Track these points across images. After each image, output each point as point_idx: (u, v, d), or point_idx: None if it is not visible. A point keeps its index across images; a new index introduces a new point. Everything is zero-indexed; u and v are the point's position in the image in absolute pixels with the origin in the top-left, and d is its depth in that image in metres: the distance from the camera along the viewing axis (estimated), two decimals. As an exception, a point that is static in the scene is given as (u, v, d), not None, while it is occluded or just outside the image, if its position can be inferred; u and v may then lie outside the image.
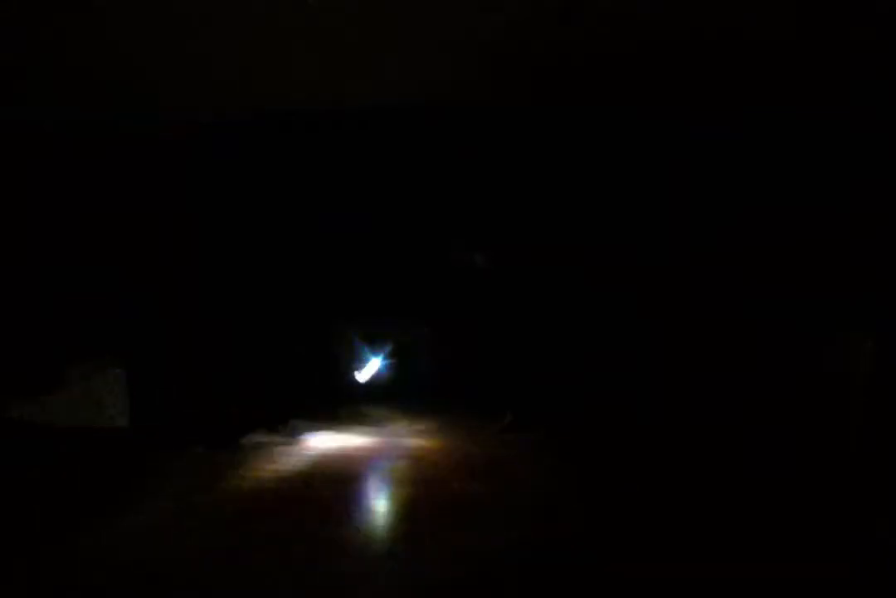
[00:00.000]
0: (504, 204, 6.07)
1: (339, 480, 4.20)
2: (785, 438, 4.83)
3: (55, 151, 5.83)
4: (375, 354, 6.08)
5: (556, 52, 4.79)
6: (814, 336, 5.43)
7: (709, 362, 5.45)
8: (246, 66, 4.93)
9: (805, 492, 4.03)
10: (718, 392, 5.22)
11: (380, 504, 3.90)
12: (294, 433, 5.42)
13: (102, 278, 5.86)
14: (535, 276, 6.01)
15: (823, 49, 4.81)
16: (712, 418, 5.05)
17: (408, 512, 3.70)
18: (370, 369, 6.11)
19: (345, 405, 6.05)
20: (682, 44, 4.78)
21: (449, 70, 5.07)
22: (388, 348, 6.14)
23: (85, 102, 5.42)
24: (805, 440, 4.75)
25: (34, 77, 5.03)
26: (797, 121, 5.45)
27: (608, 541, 3.27)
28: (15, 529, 3.57)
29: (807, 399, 5.12)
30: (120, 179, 5.87)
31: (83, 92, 5.26)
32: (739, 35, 4.65)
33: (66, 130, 5.75)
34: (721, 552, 3.18)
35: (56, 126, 5.70)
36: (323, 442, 5.14)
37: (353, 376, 6.06)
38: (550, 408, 5.52)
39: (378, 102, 5.46)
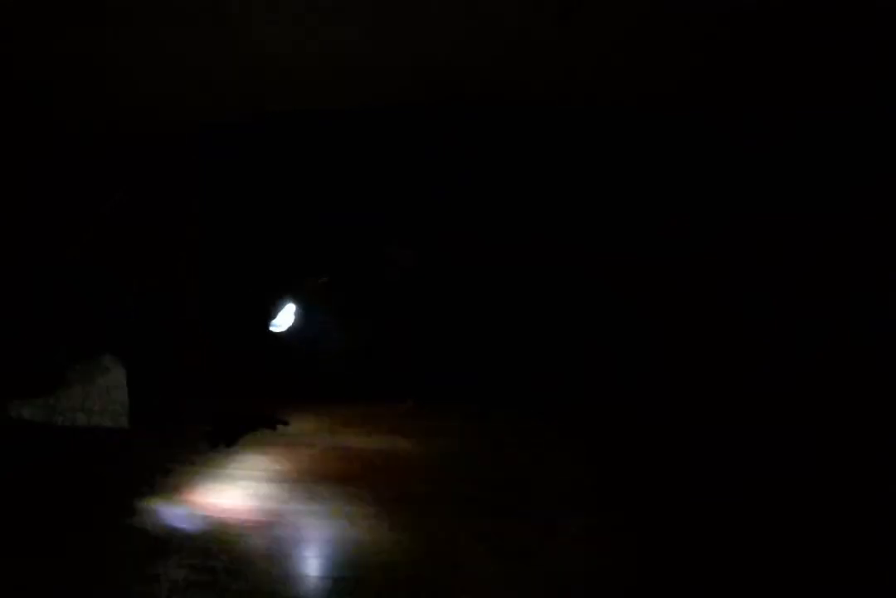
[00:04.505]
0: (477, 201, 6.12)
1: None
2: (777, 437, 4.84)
3: (56, 152, 5.85)
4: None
5: (554, 52, 4.79)
6: (814, 335, 5.45)
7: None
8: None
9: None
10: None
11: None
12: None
13: (103, 278, 5.87)
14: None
15: (823, 49, 4.81)
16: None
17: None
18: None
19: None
20: (681, 43, 4.78)
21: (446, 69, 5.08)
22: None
23: (84, 103, 5.43)
24: (807, 441, 4.75)
25: (32, 78, 5.05)
26: (797, 121, 5.45)
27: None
28: (14, 529, 3.58)
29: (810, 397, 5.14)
30: (117, 179, 5.88)
31: (82, 92, 5.27)
32: (739, 35, 4.66)
33: (67, 130, 5.77)
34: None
35: (56, 126, 5.71)
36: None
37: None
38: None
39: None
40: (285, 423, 5.57)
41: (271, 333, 6.00)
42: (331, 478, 4.34)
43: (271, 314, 5.85)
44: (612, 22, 4.47)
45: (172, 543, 3.42)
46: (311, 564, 3.33)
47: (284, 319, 5.86)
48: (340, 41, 4.62)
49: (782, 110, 5.46)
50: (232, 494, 4.12)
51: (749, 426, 5.07)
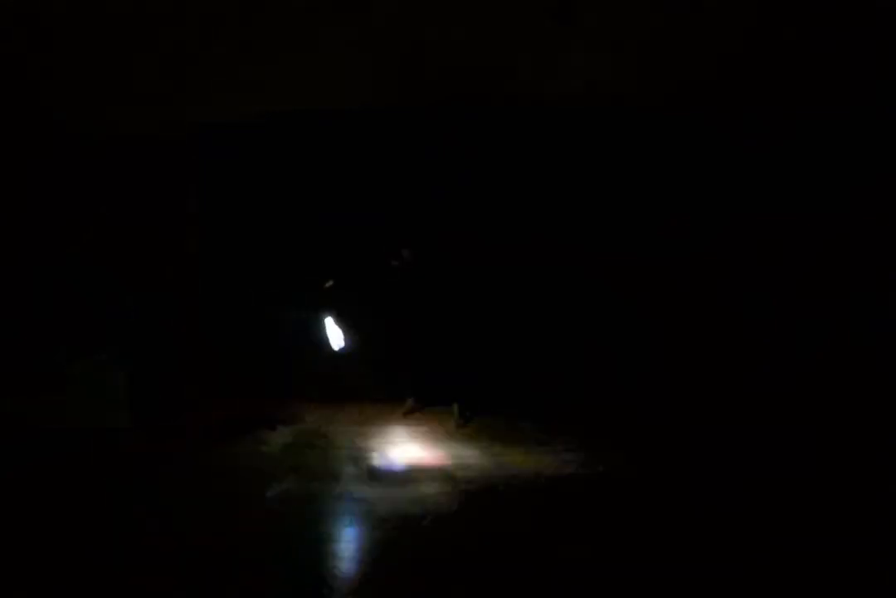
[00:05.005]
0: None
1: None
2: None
3: (56, 152, 5.86)
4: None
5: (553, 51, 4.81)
6: (814, 335, 5.45)
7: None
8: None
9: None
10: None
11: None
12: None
13: (103, 278, 5.87)
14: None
15: (823, 49, 4.81)
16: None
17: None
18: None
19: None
20: (681, 44, 4.80)
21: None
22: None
23: (87, 103, 5.44)
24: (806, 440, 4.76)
25: (36, 78, 5.06)
26: (797, 121, 5.45)
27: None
28: (15, 529, 3.59)
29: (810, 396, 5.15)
30: (117, 179, 5.88)
31: (83, 92, 5.28)
32: (739, 35, 4.67)
33: (67, 130, 5.78)
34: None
35: (56, 126, 5.72)
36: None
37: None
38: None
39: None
40: (285, 423, 5.58)
41: (270, 333, 6.01)
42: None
43: (309, 327, 5.87)
44: (611, 22, 4.48)
45: (171, 542, 3.43)
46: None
47: (335, 335, 5.87)
48: (341, 40, 4.64)
49: (782, 110, 5.46)
50: (230, 492, 4.14)
51: (749, 426, 5.07)
